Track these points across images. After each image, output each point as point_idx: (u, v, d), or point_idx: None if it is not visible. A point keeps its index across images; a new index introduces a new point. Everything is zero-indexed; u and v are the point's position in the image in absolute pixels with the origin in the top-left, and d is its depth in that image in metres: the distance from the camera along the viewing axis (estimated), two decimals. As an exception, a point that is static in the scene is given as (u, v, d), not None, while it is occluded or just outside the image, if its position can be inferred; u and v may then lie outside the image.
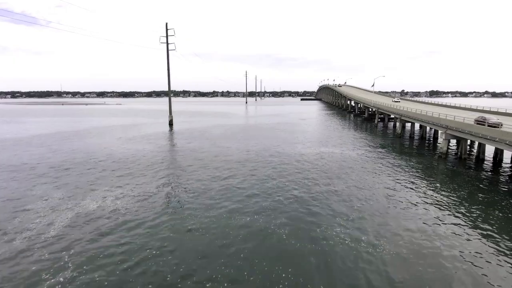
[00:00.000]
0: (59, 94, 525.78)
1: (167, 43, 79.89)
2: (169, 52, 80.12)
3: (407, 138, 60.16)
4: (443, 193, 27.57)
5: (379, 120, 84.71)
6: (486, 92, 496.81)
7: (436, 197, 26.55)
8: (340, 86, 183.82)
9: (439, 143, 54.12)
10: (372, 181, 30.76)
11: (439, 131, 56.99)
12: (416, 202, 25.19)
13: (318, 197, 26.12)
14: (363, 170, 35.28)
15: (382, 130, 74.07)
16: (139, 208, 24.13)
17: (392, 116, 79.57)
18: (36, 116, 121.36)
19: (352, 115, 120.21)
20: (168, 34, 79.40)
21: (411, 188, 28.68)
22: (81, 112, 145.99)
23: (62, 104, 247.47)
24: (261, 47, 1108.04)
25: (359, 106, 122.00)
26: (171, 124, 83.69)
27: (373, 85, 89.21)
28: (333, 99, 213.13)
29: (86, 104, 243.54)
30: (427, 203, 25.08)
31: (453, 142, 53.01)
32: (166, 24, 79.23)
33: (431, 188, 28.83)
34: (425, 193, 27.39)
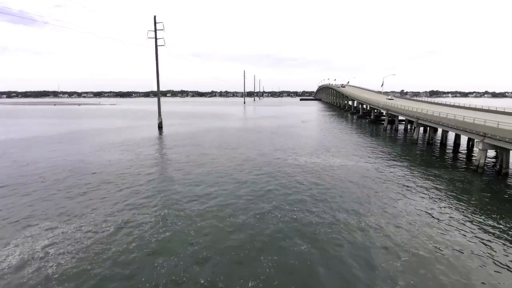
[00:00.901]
0: (55, 94, 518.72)
1: (156, 38, 72.37)
2: (159, 48, 72.79)
3: (424, 145, 52.82)
4: (506, 232, 20.21)
5: (388, 122, 77.27)
6: (486, 92, 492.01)
7: (501, 239, 19.18)
8: (344, 87, 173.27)
9: (462, 151, 47.02)
10: (404, 214, 23.21)
11: (462, 136, 49.79)
12: (480, 253, 17.79)
13: (330, 248, 17.75)
14: (386, 192, 27.86)
15: (392, 134, 66.73)
16: (77, 259, 16.67)
17: (401, 118, 72.16)
18: (19, 118, 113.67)
19: (355, 117, 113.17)
20: (157, 28, 71.90)
21: (462, 230, 21.00)
22: (70, 113, 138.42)
23: (54, 105, 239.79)
24: (260, 47, 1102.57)
25: (363, 107, 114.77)
26: (160, 127, 76.17)
27: (382, 85, 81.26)
28: (334, 99, 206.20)
29: (79, 105, 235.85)
30: (495, 260, 17.68)
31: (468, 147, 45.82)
32: (154, 17, 71.78)
33: (486, 223, 21.45)
34: (481, 238, 19.97)
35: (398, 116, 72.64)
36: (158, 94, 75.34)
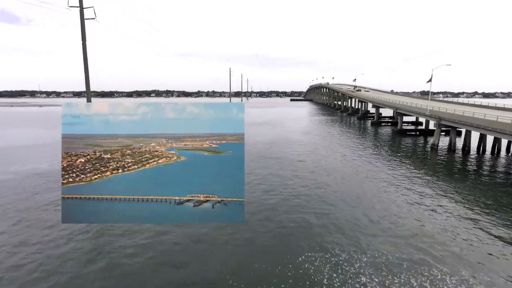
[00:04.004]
0: (33, 94, 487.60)
1: (81, 7, 48.05)
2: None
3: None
4: None
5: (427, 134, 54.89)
6: (476, 93, 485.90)
7: None
8: (359, 90, 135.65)
9: None
10: None
11: None
12: None
13: None
14: None
15: (471, 159, 43.51)
16: None
17: (458, 127, 48.10)
18: None
19: (368, 123, 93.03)
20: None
21: None
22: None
23: (11, 106, 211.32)
24: (248, 47, 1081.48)
25: (379, 111, 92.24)
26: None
27: (430, 80, 57.28)
28: (328, 100, 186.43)
29: (40, 106, 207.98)
30: None
31: None
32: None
33: None
34: None
35: (457, 127, 49.17)
36: (88, 93, 48.40)
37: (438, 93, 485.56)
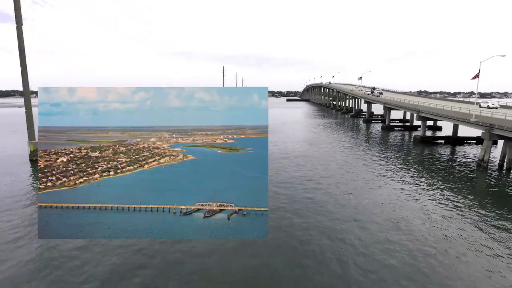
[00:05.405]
0: (22, 93, 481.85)
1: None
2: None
3: None
4: None
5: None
6: (473, 93, 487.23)
7: None
8: (381, 93, 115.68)
9: None
10: None
11: None
12: None
13: None
14: None
15: None
16: None
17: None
18: None
19: (376, 126, 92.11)
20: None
21: None
22: None
23: None
24: (243, 47, 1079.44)
25: (389, 114, 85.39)
26: (34, 160, 32.56)
27: (477, 75, 46.60)
28: (328, 100, 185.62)
29: (20, 107, 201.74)
30: None
31: None
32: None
33: None
34: None
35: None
36: (27, 92, 42.62)
37: (435, 93, 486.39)
